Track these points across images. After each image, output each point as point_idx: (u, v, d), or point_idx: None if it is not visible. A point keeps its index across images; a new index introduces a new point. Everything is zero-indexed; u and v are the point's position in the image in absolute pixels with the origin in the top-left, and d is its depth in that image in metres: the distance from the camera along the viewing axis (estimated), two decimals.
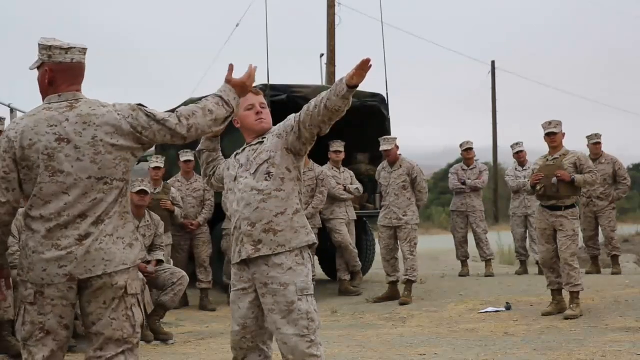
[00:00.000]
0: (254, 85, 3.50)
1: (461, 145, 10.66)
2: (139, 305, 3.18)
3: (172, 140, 3.16)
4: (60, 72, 3.07)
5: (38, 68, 3.13)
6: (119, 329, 3.08)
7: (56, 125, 3.02)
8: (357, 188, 9.58)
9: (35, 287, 3.05)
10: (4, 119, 8.16)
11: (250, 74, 3.38)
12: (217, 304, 9.21)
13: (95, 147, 3.03)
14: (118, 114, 3.08)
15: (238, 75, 3.36)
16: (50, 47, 3.06)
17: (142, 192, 7.01)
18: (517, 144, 10.51)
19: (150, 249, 7.20)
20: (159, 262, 7.07)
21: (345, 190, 9.47)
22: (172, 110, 3.20)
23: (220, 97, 3.26)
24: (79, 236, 3.02)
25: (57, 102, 3.07)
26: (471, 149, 10.60)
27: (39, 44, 3.10)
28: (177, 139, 3.15)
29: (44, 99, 3.13)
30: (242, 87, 3.34)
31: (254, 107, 3.76)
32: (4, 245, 3.15)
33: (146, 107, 3.17)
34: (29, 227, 3.07)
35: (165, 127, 3.10)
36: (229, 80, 3.31)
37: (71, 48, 3.09)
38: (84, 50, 3.13)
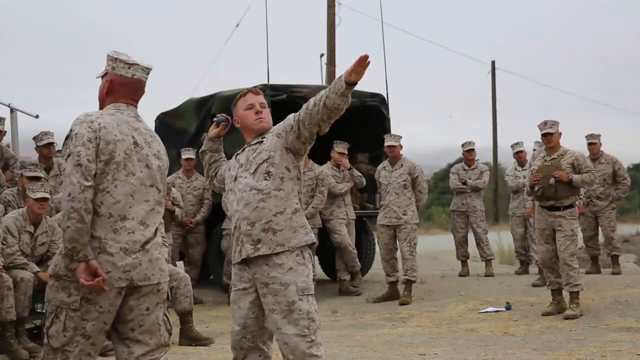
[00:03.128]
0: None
1: (463, 145, 10.66)
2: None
3: None
4: (119, 85, 3.21)
5: (103, 77, 3.26)
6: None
7: (133, 130, 3.16)
8: (360, 175, 9.57)
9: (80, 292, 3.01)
10: (4, 118, 8.17)
11: None
12: (217, 304, 9.22)
13: (160, 159, 3.23)
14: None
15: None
16: (116, 59, 3.22)
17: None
18: (517, 143, 10.50)
19: None
20: None
21: (349, 170, 9.39)
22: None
23: None
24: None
25: (127, 110, 3.20)
26: (473, 149, 10.61)
27: (107, 55, 3.25)
28: None
29: (101, 107, 3.24)
30: None
31: (254, 106, 3.76)
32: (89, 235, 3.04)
33: None
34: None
35: None
36: None
37: (135, 65, 3.23)
38: (147, 70, 3.27)
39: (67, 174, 2.99)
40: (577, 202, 7.54)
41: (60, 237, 6.33)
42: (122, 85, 3.21)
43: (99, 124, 3.07)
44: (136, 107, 3.26)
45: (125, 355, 3.19)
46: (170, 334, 3.22)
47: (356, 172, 9.55)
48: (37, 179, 6.81)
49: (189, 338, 6.74)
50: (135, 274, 3.07)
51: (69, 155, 3.02)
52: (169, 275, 6.91)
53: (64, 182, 3.05)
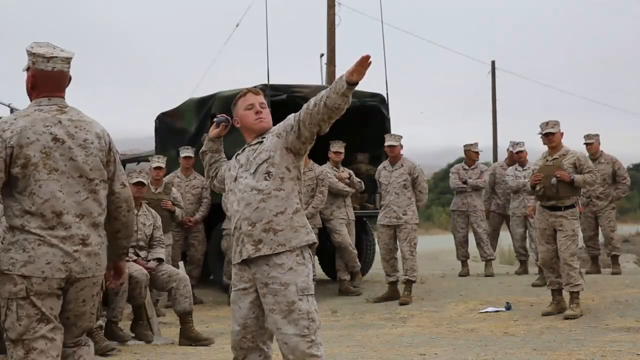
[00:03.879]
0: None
1: (471, 145, 10.62)
2: None
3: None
4: (41, 78, 3.24)
5: (27, 71, 3.29)
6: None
7: (51, 126, 3.17)
8: (359, 181, 9.58)
9: (25, 283, 3.11)
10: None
11: None
12: (217, 303, 9.22)
13: (86, 148, 3.23)
14: (102, 128, 3.34)
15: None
16: (34, 54, 3.23)
17: (140, 184, 7.15)
18: (517, 143, 10.49)
19: (150, 243, 7.17)
20: (159, 260, 7.05)
21: (349, 179, 9.43)
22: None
23: None
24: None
25: (48, 105, 3.22)
26: (477, 152, 10.64)
27: (26, 49, 3.25)
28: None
29: (30, 100, 3.28)
30: None
31: (254, 106, 3.75)
32: None
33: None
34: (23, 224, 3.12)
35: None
36: None
37: (53, 57, 3.23)
38: (67, 60, 3.27)
39: None
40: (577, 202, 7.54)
41: None
42: (44, 79, 3.23)
43: (12, 132, 3.12)
44: (63, 97, 3.28)
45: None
46: (98, 319, 3.40)
47: (356, 179, 9.56)
48: None
49: (189, 338, 6.73)
50: (74, 266, 3.15)
51: None
52: (169, 276, 6.96)
53: None
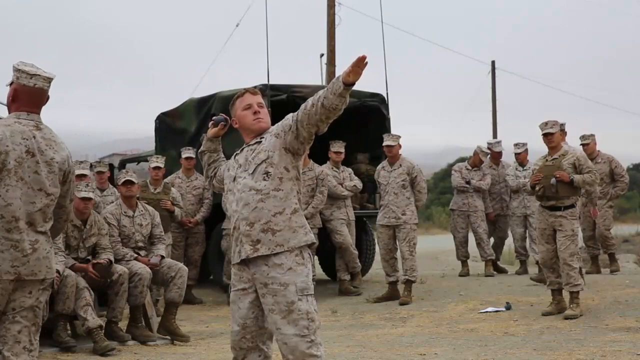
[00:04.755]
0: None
1: (492, 145, 10.75)
2: None
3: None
4: (23, 93, 3.55)
5: (10, 85, 3.60)
6: None
7: (27, 139, 3.49)
8: (354, 185, 9.56)
9: None
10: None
11: None
12: (217, 303, 9.22)
13: (51, 166, 3.54)
14: (67, 152, 3.64)
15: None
16: (19, 70, 3.55)
17: (128, 183, 7.14)
18: (517, 144, 10.50)
19: (151, 241, 7.19)
20: (162, 256, 7.08)
21: (354, 186, 9.46)
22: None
23: None
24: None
25: (26, 120, 3.54)
26: (500, 152, 10.75)
27: (13, 66, 3.56)
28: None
29: (9, 111, 3.60)
30: None
31: (252, 106, 3.75)
32: None
33: None
34: None
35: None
36: None
37: (36, 75, 3.55)
38: (48, 79, 3.59)
39: None
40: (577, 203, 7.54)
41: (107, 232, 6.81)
42: (25, 94, 3.54)
43: None
44: (38, 113, 3.59)
45: (3, 332, 3.51)
46: (45, 318, 3.65)
47: (351, 183, 9.54)
48: (83, 176, 6.99)
49: (167, 329, 6.85)
50: (23, 269, 3.44)
51: None
52: (168, 267, 7.03)
53: None
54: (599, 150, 9.84)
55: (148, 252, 7.13)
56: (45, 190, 3.52)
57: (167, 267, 6.96)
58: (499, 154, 10.79)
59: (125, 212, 7.11)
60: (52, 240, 3.74)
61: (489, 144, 10.92)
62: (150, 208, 7.38)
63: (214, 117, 4.02)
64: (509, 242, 11.12)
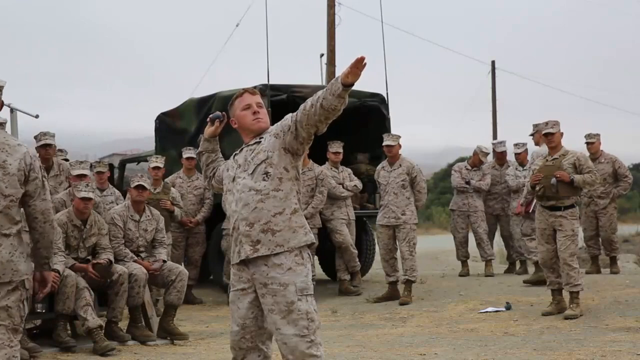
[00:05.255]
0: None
1: (495, 146, 10.74)
2: None
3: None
4: None
5: None
6: None
7: None
8: (355, 185, 9.57)
9: None
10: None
11: None
12: (217, 303, 9.22)
13: (5, 169, 3.58)
14: (25, 151, 3.66)
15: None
16: None
17: (140, 187, 7.11)
18: (517, 144, 10.50)
19: (153, 245, 7.20)
20: (163, 261, 7.09)
21: (343, 187, 9.47)
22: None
23: None
24: None
25: None
26: (488, 153, 10.73)
27: None
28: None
29: None
30: None
31: (251, 106, 3.75)
32: None
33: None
34: None
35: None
36: None
37: None
38: None
39: None
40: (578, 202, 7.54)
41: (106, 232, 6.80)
42: None
43: None
44: None
45: None
46: (22, 321, 3.62)
47: (351, 183, 9.54)
48: (83, 176, 7.01)
49: (165, 330, 6.87)
50: None
51: None
52: (169, 270, 7.05)
53: None
54: (602, 150, 9.84)
55: (149, 255, 7.14)
56: (1, 193, 3.56)
57: (168, 270, 6.96)
58: (503, 154, 10.74)
59: (132, 216, 7.12)
60: (53, 240, 3.75)
61: (493, 144, 10.88)
62: (156, 212, 7.37)
63: (210, 116, 4.01)
64: (502, 243, 11.15)
